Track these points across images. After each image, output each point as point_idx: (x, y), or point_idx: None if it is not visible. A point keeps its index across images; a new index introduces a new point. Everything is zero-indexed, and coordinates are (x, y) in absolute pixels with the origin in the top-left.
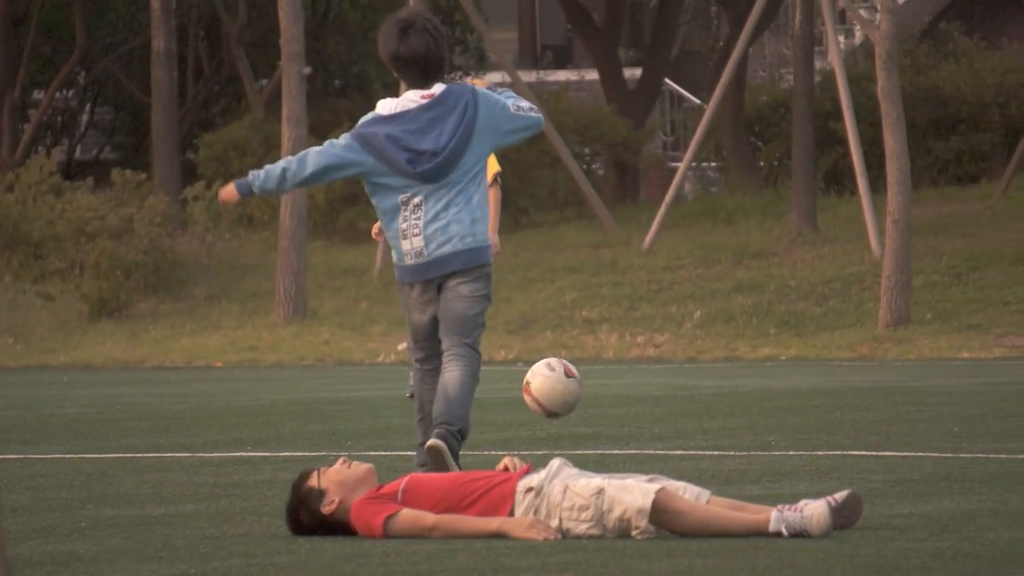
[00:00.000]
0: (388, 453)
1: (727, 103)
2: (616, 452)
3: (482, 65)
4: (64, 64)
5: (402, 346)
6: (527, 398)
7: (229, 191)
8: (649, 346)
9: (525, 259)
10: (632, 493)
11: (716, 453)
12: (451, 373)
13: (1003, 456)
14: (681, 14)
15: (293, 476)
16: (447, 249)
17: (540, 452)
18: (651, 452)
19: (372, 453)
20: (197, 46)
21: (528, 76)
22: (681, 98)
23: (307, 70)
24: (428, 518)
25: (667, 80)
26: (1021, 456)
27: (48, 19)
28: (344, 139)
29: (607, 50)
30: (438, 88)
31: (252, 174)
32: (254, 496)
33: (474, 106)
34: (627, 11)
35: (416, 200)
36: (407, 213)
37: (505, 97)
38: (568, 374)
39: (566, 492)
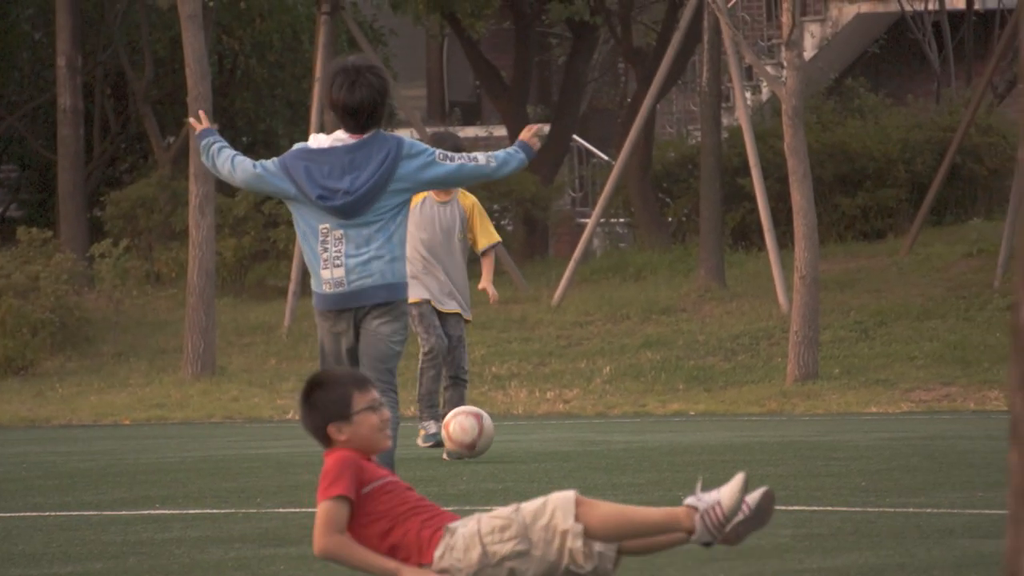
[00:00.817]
0: (298, 510)
1: (635, 159)
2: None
3: (391, 121)
4: None
5: None
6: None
7: (196, 125)
8: (559, 402)
9: None
10: (550, 498)
11: None
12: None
13: (910, 510)
14: (589, 71)
15: (201, 534)
16: (367, 282)
17: (450, 507)
18: None
19: (282, 510)
20: (103, 103)
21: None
22: (590, 154)
23: (214, 127)
24: (339, 536)
25: (575, 137)
26: (928, 510)
27: None
28: (272, 164)
29: (515, 107)
30: (369, 133)
31: (210, 140)
32: (162, 554)
33: (396, 155)
34: (535, 68)
35: (337, 233)
36: (328, 244)
37: (463, 156)
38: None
39: (480, 521)
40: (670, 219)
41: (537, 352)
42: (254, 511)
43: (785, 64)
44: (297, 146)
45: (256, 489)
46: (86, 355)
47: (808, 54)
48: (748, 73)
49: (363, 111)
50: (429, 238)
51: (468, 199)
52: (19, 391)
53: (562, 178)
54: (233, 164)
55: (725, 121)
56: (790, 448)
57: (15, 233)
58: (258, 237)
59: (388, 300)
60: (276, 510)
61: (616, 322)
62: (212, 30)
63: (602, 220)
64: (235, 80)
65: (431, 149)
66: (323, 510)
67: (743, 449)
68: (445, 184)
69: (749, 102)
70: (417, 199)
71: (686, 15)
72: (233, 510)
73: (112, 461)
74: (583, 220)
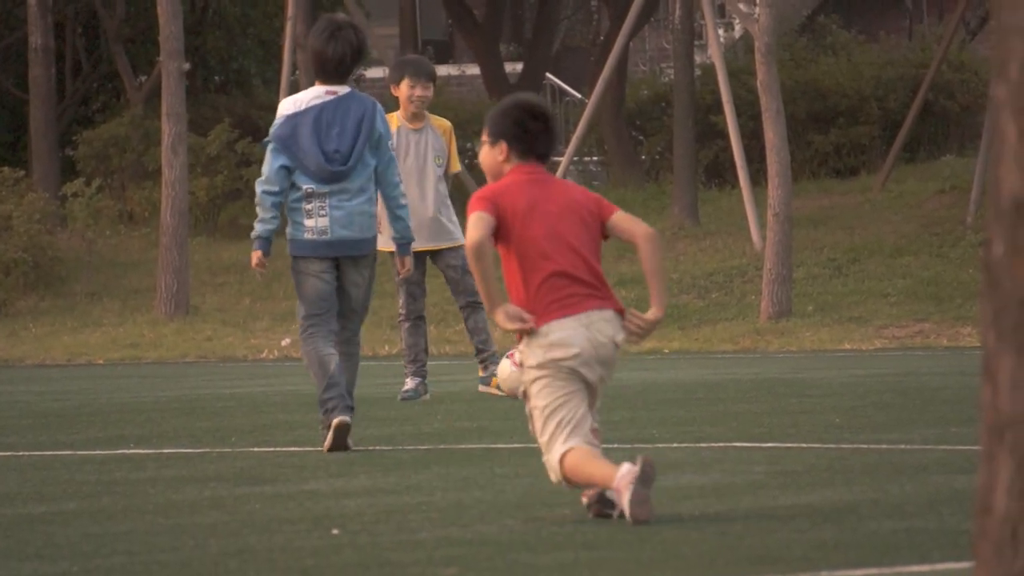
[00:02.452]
0: (272, 449)
1: (608, 97)
2: (501, 446)
3: (364, 60)
4: None
5: (286, 342)
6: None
7: (257, 256)
8: None
9: None
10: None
11: (601, 446)
12: (354, 360)
13: (884, 447)
14: (562, 9)
15: (176, 473)
16: (347, 234)
17: (424, 447)
18: (535, 446)
19: (256, 449)
20: (75, 42)
21: None
22: (563, 93)
23: (186, 66)
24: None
25: (548, 75)
26: (902, 446)
27: None
28: (268, 152)
29: (488, 45)
30: (343, 89)
31: (254, 232)
32: (137, 494)
33: (372, 117)
34: (508, 6)
35: (322, 191)
36: (313, 200)
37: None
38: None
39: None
40: (643, 157)
41: None
42: (228, 450)
43: (758, 1)
44: (278, 120)
45: (230, 428)
46: (59, 295)
47: None
48: (721, 10)
49: (338, 61)
50: (403, 169)
51: (444, 123)
52: None
53: None
54: (262, 200)
55: (698, 59)
56: (764, 385)
57: None
58: (231, 176)
59: (367, 251)
60: (250, 449)
61: None
62: None
63: (575, 158)
64: (207, 19)
65: (390, 151)
66: (480, 221)
67: (717, 387)
68: (379, 179)
69: (722, 40)
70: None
71: None
72: (207, 450)
73: (86, 401)
74: (556, 159)
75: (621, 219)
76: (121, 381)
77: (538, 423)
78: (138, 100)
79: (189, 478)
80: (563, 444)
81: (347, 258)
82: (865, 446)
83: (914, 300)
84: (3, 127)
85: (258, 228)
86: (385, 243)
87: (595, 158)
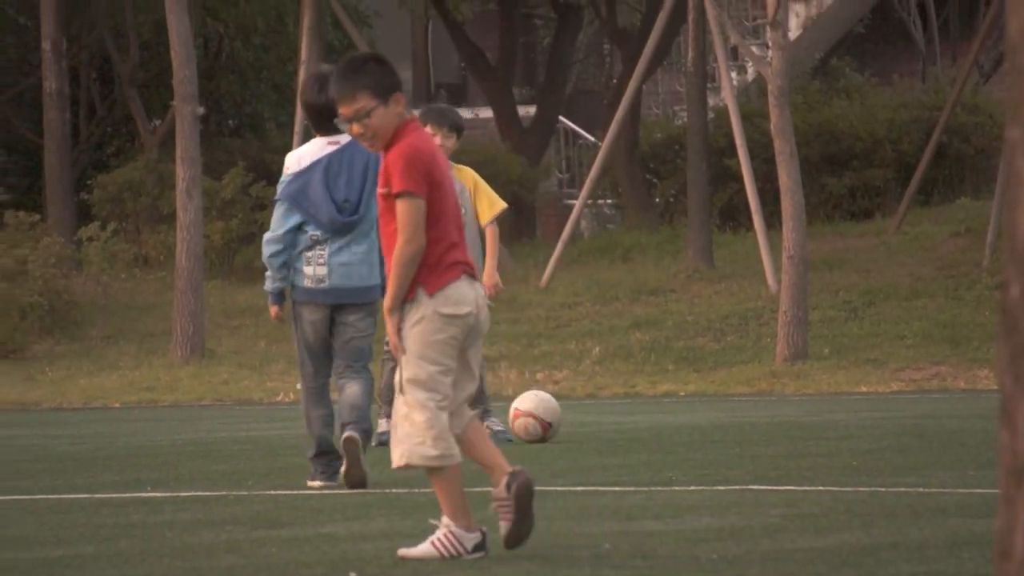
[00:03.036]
0: (289, 492)
1: (622, 140)
2: None
3: None
4: None
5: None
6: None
7: (274, 311)
8: (548, 383)
9: None
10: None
11: (617, 489)
12: (353, 388)
13: (902, 490)
14: (574, 52)
15: (192, 517)
16: (345, 283)
17: None
18: (552, 489)
19: (272, 492)
20: (90, 87)
21: None
22: (576, 136)
23: (200, 110)
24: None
25: (562, 118)
26: (920, 489)
27: None
28: (277, 208)
29: (501, 88)
30: (344, 138)
31: (266, 287)
32: (154, 537)
33: (376, 162)
34: (520, 49)
35: (325, 238)
36: (314, 248)
37: None
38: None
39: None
40: (657, 200)
41: (526, 333)
42: (245, 494)
43: (770, 44)
44: (285, 177)
45: (246, 472)
46: (75, 338)
47: (793, 34)
48: (734, 53)
49: (328, 111)
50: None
51: (466, 173)
52: (8, 374)
53: (549, 160)
54: (269, 253)
55: (711, 101)
56: (780, 428)
57: (2, 217)
58: (246, 219)
59: (363, 300)
60: (267, 492)
61: (605, 303)
62: (197, 13)
63: (589, 201)
64: (220, 63)
65: None
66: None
67: (733, 429)
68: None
69: (735, 82)
70: None
71: None
72: (224, 493)
73: (102, 444)
74: (570, 202)
75: None
76: (137, 424)
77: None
78: (152, 144)
79: (206, 521)
80: None
81: (347, 304)
82: (883, 489)
83: (930, 343)
84: (18, 172)
85: (268, 285)
86: None
87: (609, 201)
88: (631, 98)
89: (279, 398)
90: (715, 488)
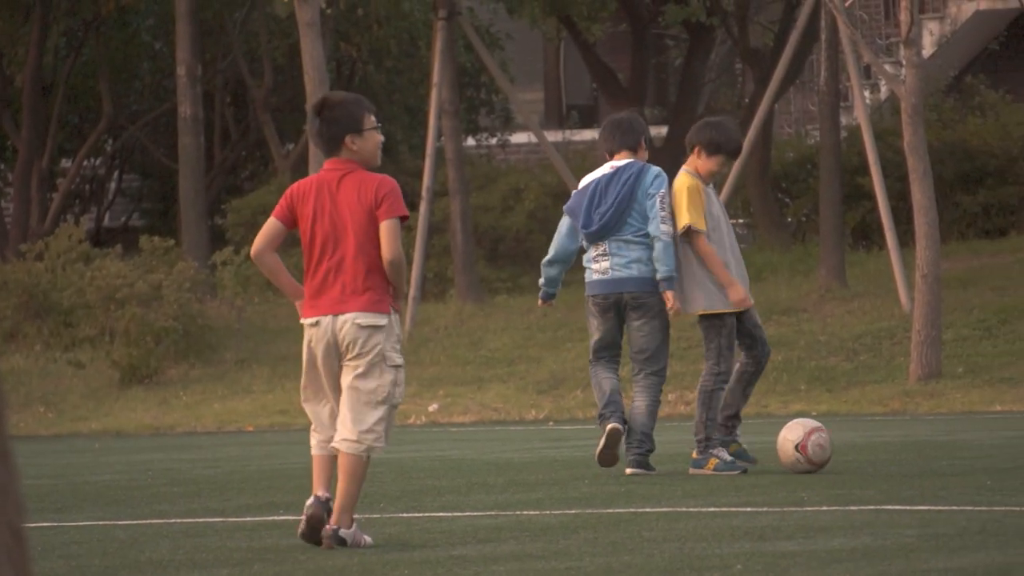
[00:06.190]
0: (421, 514)
1: (754, 159)
2: (649, 510)
3: (509, 126)
4: (91, 132)
5: (433, 407)
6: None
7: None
8: (680, 403)
9: (554, 318)
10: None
11: (749, 510)
12: (637, 403)
13: None
14: (706, 72)
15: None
16: (623, 273)
17: (572, 511)
18: (683, 510)
19: (405, 515)
20: (224, 112)
21: (554, 136)
22: None
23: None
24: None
25: None
26: None
27: (75, 87)
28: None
29: (633, 109)
30: (622, 162)
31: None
32: (288, 560)
33: (635, 179)
34: (652, 70)
35: (602, 247)
36: (594, 253)
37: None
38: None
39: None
40: (790, 219)
41: None
42: (377, 516)
43: (904, 62)
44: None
45: (379, 494)
46: (209, 362)
47: (927, 52)
48: (866, 72)
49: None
50: (726, 230)
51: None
52: (144, 399)
53: None
54: (555, 252)
55: (844, 120)
56: (914, 447)
57: (138, 242)
58: None
59: (640, 289)
60: (399, 515)
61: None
62: (330, 37)
63: None
64: (353, 86)
65: (652, 191)
66: (392, 226)
67: (866, 449)
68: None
69: (868, 101)
70: (699, 189)
71: (803, 14)
72: (356, 516)
73: (236, 467)
74: None
75: None
76: (271, 448)
77: (385, 409)
78: (286, 168)
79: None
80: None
81: (627, 300)
82: (1018, 508)
83: None
84: (154, 197)
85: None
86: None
87: (741, 221)
88: (763, 117)
89: (411, 420)
90: (848, 508)
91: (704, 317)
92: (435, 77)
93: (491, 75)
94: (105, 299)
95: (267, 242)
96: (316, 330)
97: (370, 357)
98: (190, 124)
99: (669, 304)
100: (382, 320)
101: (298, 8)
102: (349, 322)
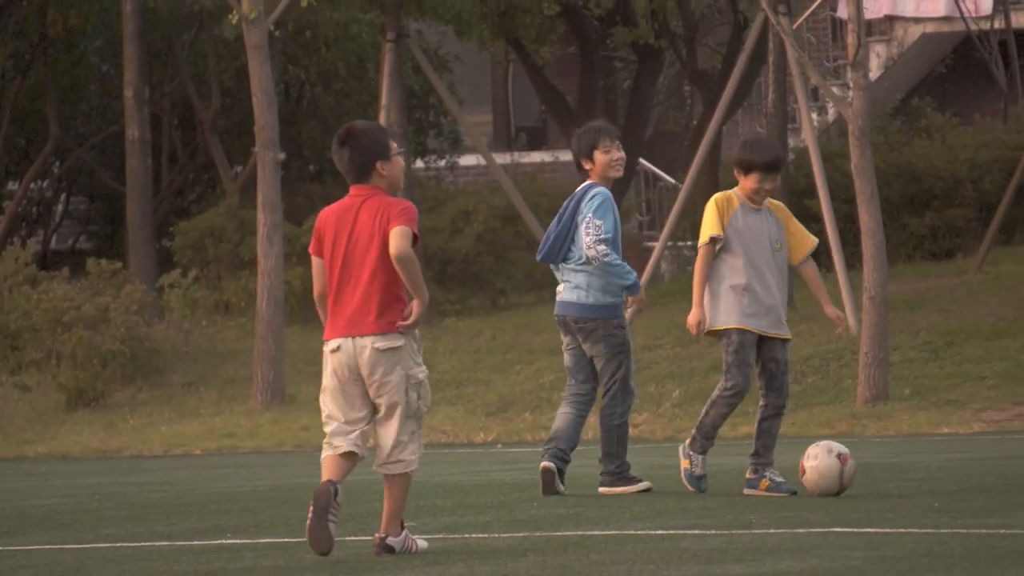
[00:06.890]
0: (371, 538)
1: (702, 182)
2: (596, 533)
3: (457, 148)
4: (38, 154)
5: None
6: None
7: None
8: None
9: (503, 341)
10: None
11: (697, 532)
12: (577, 417)
13: (984, 531)
14: (655, 94)
15: (273, 563)
16: (567, 297)
17: (520, 534)
18: (631, 532)
19: (354, 538)
20: (171, 134)
21: (503, 158)
22: (656, 178)
23: (281, 156)
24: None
25: (642, 160)
26: (1002, 531)
27: (22, 109)
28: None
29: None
30: (583, 185)
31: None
32: None
33: (576, 205)
34: (600, 92)
35: (560, 269)
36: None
37: (593, 213)
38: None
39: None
40: None
41: None
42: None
43: (851, 85)
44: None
45: None
46: (156, 386)
47: (874, 75)
48: (814, 94)
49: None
50: (757, 250)
51: (778, 204)
52: (90, 422)
53: (629, 202)
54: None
55: (792, 142)
56: (861, 470)
57: (85, 265)
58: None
59: (579, 315)
60: (348, 538)
61: (685, 346)
62: (278, 59)
63: (669, 243)
64: (301, 109)
65: (587, 213)
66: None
67: None
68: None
69: (815, 123)
70: (733, 205)
71: (751, 37)
72: (305, 539)
73: (183, 491)
74: (650, 244)
75: None
76: (218, 471)
77: (414, 422)
78: (234, 190)
79: (287, 568)
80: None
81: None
82: (965, 531)
83: (1012, 383)
84: (101, 219)
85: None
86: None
87: (689, 243)
88: (711, 139)
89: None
90: (796, 530)
91: (712, 333)
92: (383, 99)
93: (440, 97)
94: (52, 322)
95: (322, 281)
96: (338, 356)
97: (394, 381)
98: (138, 146)
99: (634, 302)
100: (399, 341)
101: (246, 31)
102: (368, 348)
